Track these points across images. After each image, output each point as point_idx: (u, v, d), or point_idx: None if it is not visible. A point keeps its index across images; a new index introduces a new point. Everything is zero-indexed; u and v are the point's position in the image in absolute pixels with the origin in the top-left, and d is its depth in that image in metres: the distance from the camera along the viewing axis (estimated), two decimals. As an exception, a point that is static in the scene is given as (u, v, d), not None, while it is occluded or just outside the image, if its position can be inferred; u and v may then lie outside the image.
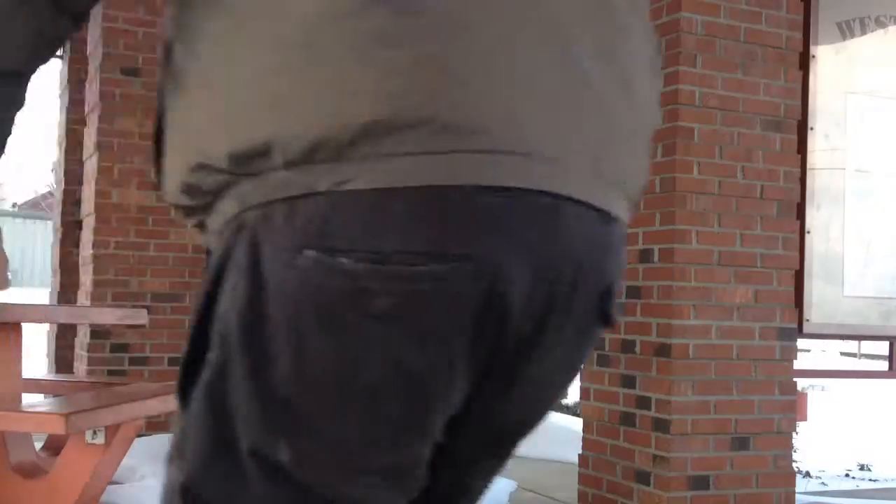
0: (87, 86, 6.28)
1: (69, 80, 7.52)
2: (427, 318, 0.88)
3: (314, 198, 0.86)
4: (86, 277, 5.84)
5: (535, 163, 0.90)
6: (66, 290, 7.16)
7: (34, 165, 44.18)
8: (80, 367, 5.80)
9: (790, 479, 4.09)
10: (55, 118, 8.36)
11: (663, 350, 3.90)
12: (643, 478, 3.94)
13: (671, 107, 3.93)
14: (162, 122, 1.09)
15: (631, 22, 1.04)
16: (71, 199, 7.20)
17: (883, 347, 5.08)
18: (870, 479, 6.49)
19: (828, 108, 4.39)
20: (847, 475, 6.64)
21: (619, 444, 4.10)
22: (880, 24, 4.53)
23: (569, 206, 0.93)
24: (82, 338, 5.82)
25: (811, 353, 18.83)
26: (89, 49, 6.19)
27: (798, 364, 4.17)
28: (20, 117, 1.12)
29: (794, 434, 4.21)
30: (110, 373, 5.60)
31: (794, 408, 4.15)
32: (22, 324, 3.24)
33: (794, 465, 4.27)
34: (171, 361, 5.82)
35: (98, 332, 5.64)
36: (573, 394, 6.52)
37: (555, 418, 6.30)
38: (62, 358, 7.15)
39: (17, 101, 1.09)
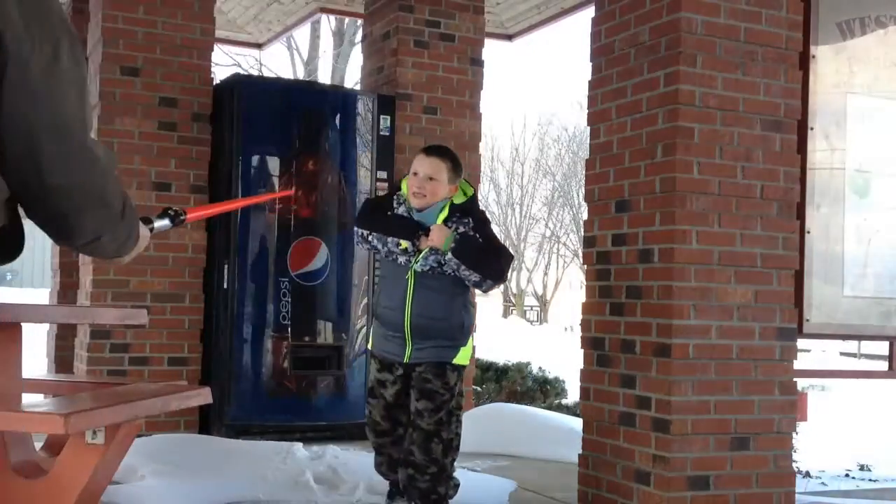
0: (87, 86, 6.27)
1: (69, 80, 7.51)
2: None
3: None
4: (86, 277, 5.85)
5: None
6: (66, 290, 7.17)
7: (34, 165, 43.96)
8: (80, 367, 5.81)
9: (790, 479, 4.09)
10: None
11: (663, 350, 3.90)
12: (643, 478, 3.94)
13: (671, 107, 3.93)
14: None
15: None
16: (71, 199, 7.19)
17: (883, 347, 5.07)
18: (870, 479, 6.49)
19: (828, 108, 4.38)
20: (847, 475, 6.65)
21: (619, 444, 4.10)
22: (880, 24, 4.52)
23: None
24: (82, 338, 5.82)
25: (811, 353, 18.82)
26: (89, 49, 6.19)
27: (798, 364, 4.17)
28: None
29: (794, 434, 4.21)
30: (110, 373, 5.60)
31: (794, 408, 4.14)
32: (22, 324, 3.24)
33: (794, 465, 4.27)
34: (171, 361, 5.83)
35: (98, 332, 5.64)
36: (573, 394, 6.52)
37: (555, 418, 6.29)
38: (62, 358, 7.14)
39: None
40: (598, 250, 4.32)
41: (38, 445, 3.53)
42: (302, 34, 18.74)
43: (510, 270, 3.74)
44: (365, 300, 6.17)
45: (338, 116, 6.24)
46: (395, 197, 3.88)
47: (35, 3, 1.51)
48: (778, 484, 4.02)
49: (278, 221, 5.95)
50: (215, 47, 6.45)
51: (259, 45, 9.37)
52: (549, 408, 8.14)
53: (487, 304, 29.65)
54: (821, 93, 4.36)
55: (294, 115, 6.05)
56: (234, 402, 5.81)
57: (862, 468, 6.98)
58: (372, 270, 6.12)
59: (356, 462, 4.86)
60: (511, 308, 35.20)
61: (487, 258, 3.74)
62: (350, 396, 6.09)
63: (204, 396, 3.70)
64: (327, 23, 18.08)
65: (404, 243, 3.71)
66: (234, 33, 8.93)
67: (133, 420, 3.22)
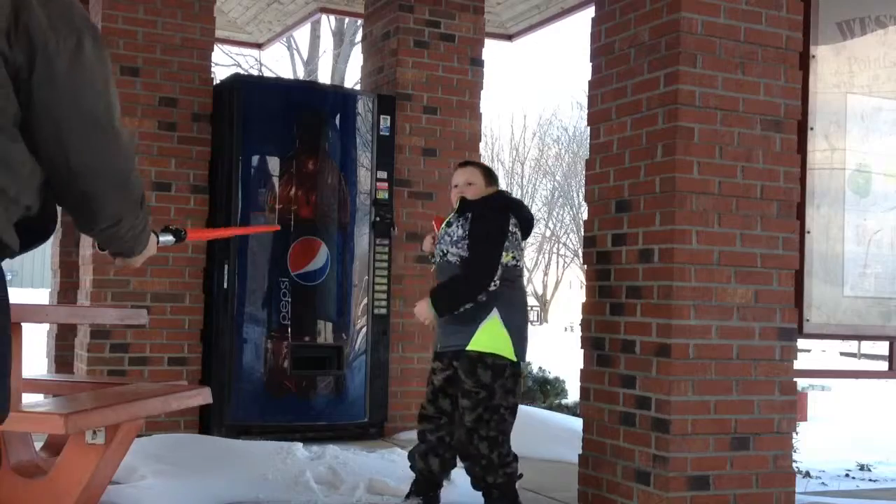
0: (87, 86, 6.27)
1: (69, 80, 7.51)
2: None
3: None
4: (86, 277, 5.85)
5: None
6: (66, 290, 7.16)
7: (34, 165, 44.00)
8: (80, 367, 5.81)
9: (790, 479, 4.09)
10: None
11: (663, 350, 3.90)
12: (643, 478, 3.94)
13: (671, 107, 3.93)
14: None
15: None
16: (71, 199, 7.19)
17: (883, 347, 5.08)
18: (870, 479, 6.49)
19: (828, 108, 4.38)
20: (847, 475, 6.65)
21: (619, 444, 4.10)
22: (880, 24, 4.53)
23: None
24: (82, 338, 5.82)
25: (811, 353, 18.83)
26: (89, 49, 6.19)
27: (798, 364, 4.17)
28: None
29: (794, 434, 4.21)
30: (110, 373, 5.60)
31: (794, 408, 4.14)
32: (22, 324, 3.24)
33: (794, 465, 4.27)
34: (171, 361, 5.83)
35: (98, 332, 5.64)
36: (573, 394, 6.51)
37: (555, 418, 6.30)
38: (62, 358, 7.14)
39: None
40: (598, 250, 4.32)
41: (38, 445, 3.54)
42: (302, 34, 18.78)
43: (479, 285, 3.99)
44: (365, 300, 6.17)
45: (338, 116, 6.24)
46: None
47: (58, 3, 1.66)
48: (778, 484, 4.02)
49: (278, 221, 5.95)
50: (215, 47, 6.45)
51: (259, 45, 9.37)
52: (549, 408, 8.14)
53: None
54: (821, 93, 4.36)
55: (294, 115, 6.05)
56: (234, 402, 5.81)
57: (862, 468, 6.98)
58: (372, 270, 6.12)
59: (356, 462, 4.86)
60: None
61: (453, 292, 4.03)
62: (350, 396, 6.09)
63: (204, 396, 3.71)
64: (327, 23, 18.09)
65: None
66: (234, 33, 8.93)
67: (133, 420, 3.22)
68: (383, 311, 6.22)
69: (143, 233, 2.01)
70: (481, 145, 6.85)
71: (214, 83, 6.18)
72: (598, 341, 4.28)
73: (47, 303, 8.59)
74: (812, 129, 4.33)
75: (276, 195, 5.94)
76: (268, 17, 8.40)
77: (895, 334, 4.65)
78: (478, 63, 6.70)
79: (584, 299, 4.43)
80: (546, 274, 36.53)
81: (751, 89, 4.02)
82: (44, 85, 1.63)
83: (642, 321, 4.02)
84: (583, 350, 4.39)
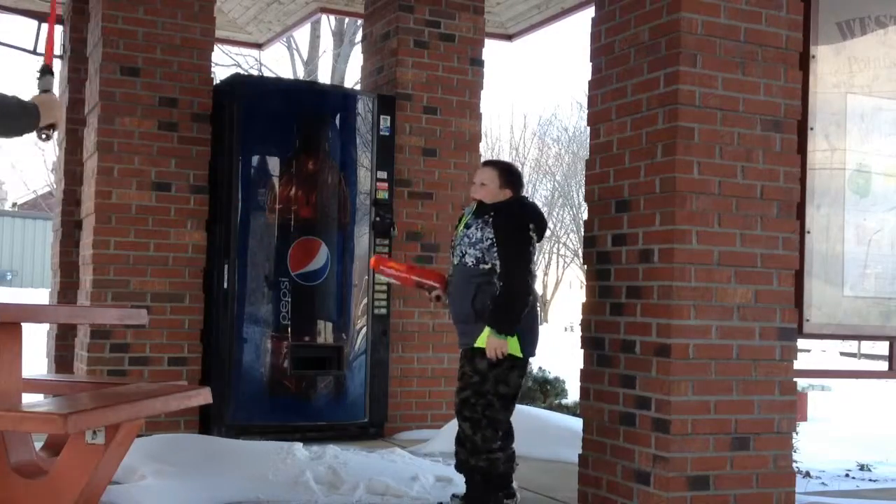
0: (87, 86, 6.28)
1: (69, 80, 7.52)
2: None
3: None
4: (86, 277, 5.85)
5: None
6: (66, 290, 7.17)
7: (34, 165, 44.16)
8: (80, 367, 5.81)
9: (790, 479, 4.09)
10: (55, 118, 8.35)
11: (663, 350, 3.90)
12: (643, 478, 3.94)
13: (671, 107, 3.93)
14: None
15: None
16: (71, 199, 7.21)
17: (883, 347, 5.08)
18: (870, 480, 6.49)
19: (828, 108, 4.38)
20: (847, 475, 6.64)
21: (619, 444, 4.10)
22: (880, 24, 4.53)
23: None
24: (82, 338, 5.82)
25: (811, 353, 18.84)
26: (89, 49, 6.19)
27: (798, 364, 4.17)
28: None
29: (794, 434, 4.21)
30: (110, 373, 5.60)
31: (794, 408, 4.14)
32: (22, 324, 3.24)
33: (794, 465, 4.27)
34: (171, 361, 5.83)
35: (98, 332, 5.64)
36: (573, 394, 6.51)
37: (555, 418, 6.29)
38: (62, 358, 7.15)
39: None
40: (598, 250, 4.32)
41: (38, 445, 3.54)
42: (302, 34, 18.75)
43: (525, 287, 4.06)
44: (365, 300, 6.17)
45: (338, 116, 6.24)
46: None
47: None
48: (778, 484, 4.02)
49: (278, 221, 5.95)
50: (215, 47, 6.45)
51: (259, 45, 9.37)
52: (549, 408, 8.13)
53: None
54: (821, 93, 4.36)
55: (294, 115, 6.05)
56: (234, 402, 5.81)
57: (862, 468, 6.97)
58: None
59: (356, 462, 4.86)
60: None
61: (502, 301, 4.04)
62: (350, 396, 6.09)
63: (204, 396, 3.71)
64: (327, 23, 18.08)
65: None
66: (234, 33, 8.93)
67: (133, 420, 3.22)
68: (383, 311, 6.22)
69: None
70: (481, 145, 6.85)
71: (214, 83, 6.18)
72: (598, 341, 4.28)
73: (47, 303, 8.60)
74: (812, 129, 4.33)
75: (276, 195, 5.94)
76: (268, 17, 8.40)
77: (895, 334, 4.65)
78: (478, 63, 6.70)
79: (584, 299, 4.43)
80: (546, 274, 36.52)
81: (751, 89, 4.02)
82: None
83: (642, 321, 4.02)
84: (583, 350, 4.39)
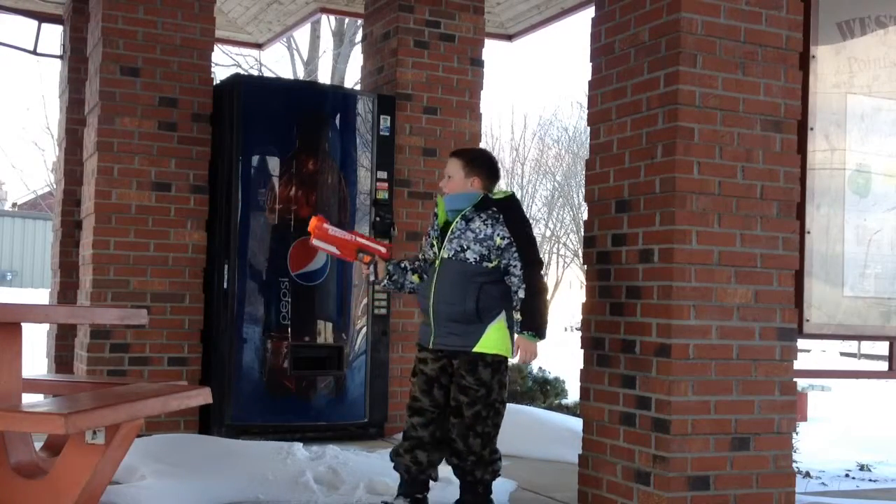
0: (87, 86, 6.28)
1: (69, 80, 7.53)
2: None
3: None
4: (86, 277, 5.85)
5: None
6: (66, 290, 7.17)
7: (34, 165, 44.16)
8: (80, 367, 5.81)
9: (790, 479, 4.09)
10: (55, 118, 8.37)
11: (663, 350, 3.90)
12: (643, 478, 3.94)
13: (671, 107, 3.93)
14: None
15: None
16: (71, 199, 7.21)
17: (883, 347, 5.08)
18: (870, 480, 6.49)
19: (828, 108, 4.39)
20: (847, 475, 6.64)
21: (619, 444, 4.10)
22: (880, 24, 4.53)
23: None
24: (82, 338, 5.82)
25: (811, 353, 18.83)
26: (89, 49, 6.19)
27: (798, 364, 4.17)
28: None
29: (794, 434, 4.21)
30: (110, 373, 5.60)
31: (794, 408, 4.14)
32: (22, 324, 3.24)
33: (794, 465, 4.27)
34: (171, 361, 5.83)
35: (98, 332, 5.64)
36: (573, 394, 6.51)
37: (555, 418, 6.29)
38: (62, 358, 7.15)
39: None
40: (598, 250, 4.32)
41: (38, 445, 3.54)
42: (302, 34, 18.72)
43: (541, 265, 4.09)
44: (365, 300, 6.17)
45: (338, 116, 6.24)
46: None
47: None
48: (778, 484, 4.03)
49: (278, 221, 5.95)
50: (215, 47, 6.45)
51: (259, 45, 9.37)
52: (549, 408, 8.13)
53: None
54: (821, 93, 4.37)
55: (294, 116, 6.05)
56: (234, 402, 5.81)
57: (862, 468, 6.98)
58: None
59: (356, 462, 4.86)
60: (511, 308, 35.08)
61: (534, 303, 3.99)
62: (350, 396, 6.09)
63: (204, 396, 3.71)
64: (327, 23, 18.07)
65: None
66: (234, 33, 8.93)
67: (133, 420, 3.22)
68: (383, 311, 6.22)
69: None
70: (481, 145, 6.85)
71: (214, 83, 6.18)
72: (598, 341, 4.28)
73: (47, 303, 8.60)
74: (812, 129, 4.33)
75: (276, 195, 5.94)
76: (268, 17, 8.40)
77: (895, 334, 4.65)
78: (478, 63, 6.70)
79: (584, 299, 4.43)
80: (546, 274, 36.53)
81: (751, 89, 4.02)
82: None
83: (642, 321, 4.02)
84: (583, 350, 4.39)
